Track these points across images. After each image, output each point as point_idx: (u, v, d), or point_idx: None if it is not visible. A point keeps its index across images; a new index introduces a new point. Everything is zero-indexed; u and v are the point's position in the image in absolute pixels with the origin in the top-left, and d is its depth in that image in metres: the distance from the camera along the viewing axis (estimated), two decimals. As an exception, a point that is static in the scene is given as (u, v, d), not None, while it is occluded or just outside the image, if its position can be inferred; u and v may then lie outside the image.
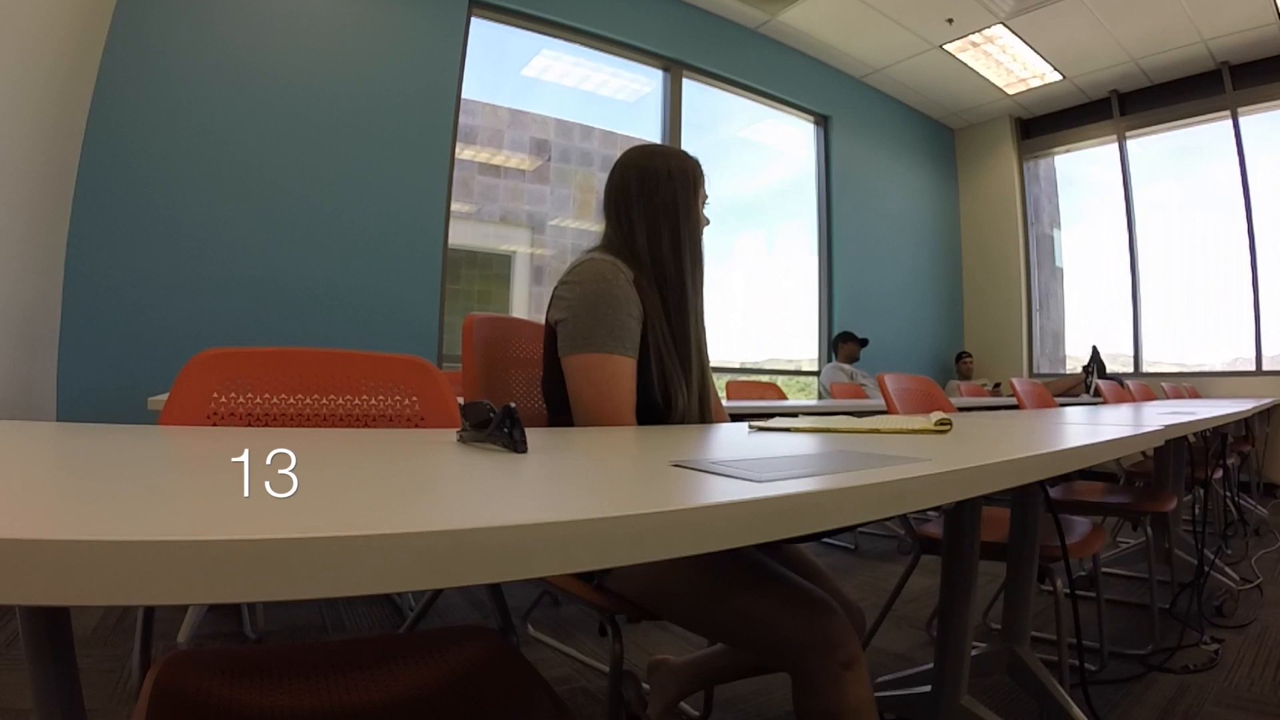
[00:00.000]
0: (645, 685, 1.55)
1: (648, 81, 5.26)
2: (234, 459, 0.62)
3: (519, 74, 4.96)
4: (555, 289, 1.25)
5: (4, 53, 2.44)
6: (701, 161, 1.38)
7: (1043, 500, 1.48)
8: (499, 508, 0.42)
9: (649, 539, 0.38)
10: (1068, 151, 6.87)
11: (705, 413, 1.31)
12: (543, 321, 1.29)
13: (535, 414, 1.35)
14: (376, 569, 0.30)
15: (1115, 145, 6.43)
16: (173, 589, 0.27)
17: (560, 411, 1.23)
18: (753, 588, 0.99)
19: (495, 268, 5.23)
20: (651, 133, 5.22)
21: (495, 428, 0.68)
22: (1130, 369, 6.25)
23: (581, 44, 4.84)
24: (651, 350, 1.23)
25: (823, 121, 6.19)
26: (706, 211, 1.38)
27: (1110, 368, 5.88)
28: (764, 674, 1.50)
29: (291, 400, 1.01)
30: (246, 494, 0.43)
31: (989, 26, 5.34)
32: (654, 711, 1.48)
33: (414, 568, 0.31)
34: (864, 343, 5.49)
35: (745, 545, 0.42)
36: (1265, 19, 5.01)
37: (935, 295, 7.02)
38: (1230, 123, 5.73)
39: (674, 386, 1.24)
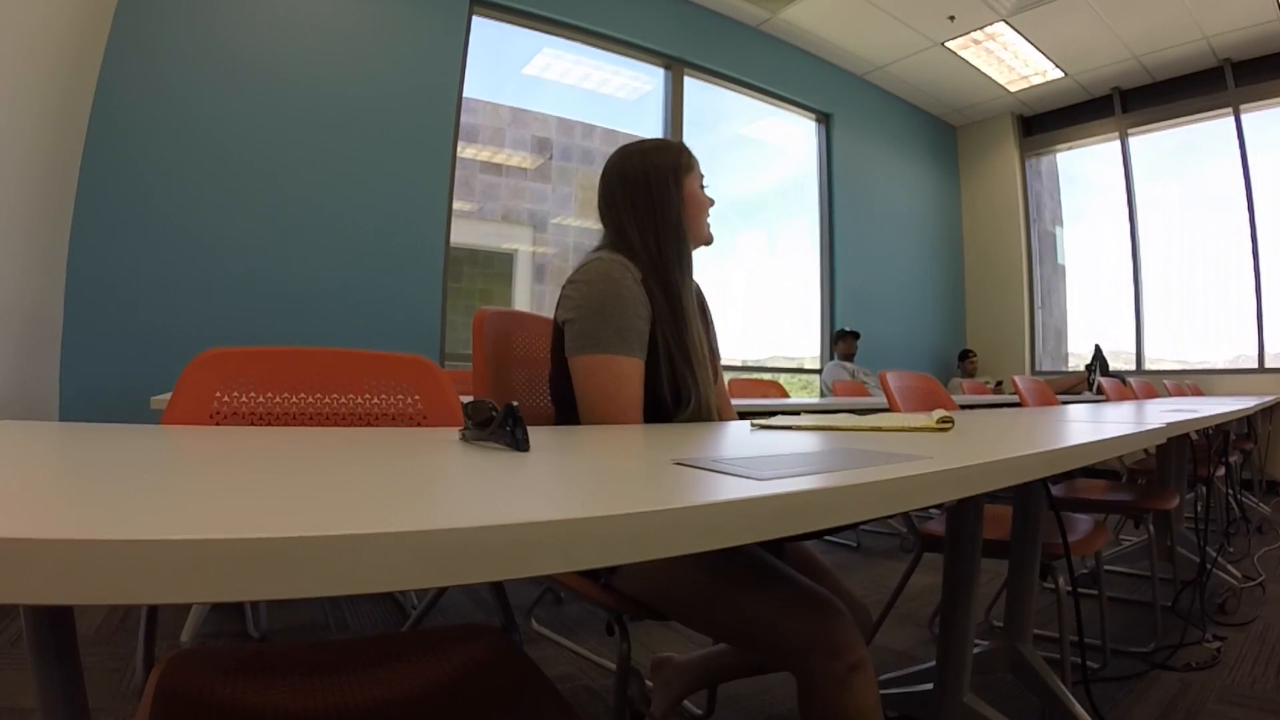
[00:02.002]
0: (649, 683, 1.55)
1: (649, 79, 5.26)
2: (236, 458, 0.62)
3: (520, 72, 4.96)
4: (563, 288, 1.24)
5: (5, 53, 2.44)
6: (702, 159, 1.36)
7: (1045, 498, 1.47)
8: (502, 506, 0.42)
9: (651, 537, 0.38)
10: (1070, 149, 6.86)
11: (712, 410, 1.30)
12: (548, 318, 1.29)
13: (543, 411, 1.34)
14: (380, 567, 0.30)
15: (1117, 142, 6.42)
16: (176, 588, 0.27)
17: (567, 411, 1.22)
18: (758, 588, 0.98)
19: (497, 266, 5.24)
20: (653, 131, 5.22)
21: (498, 426, 0.68)
22: (1132, 366, 6.24)
23: (583, 42, 4.84)
24: (661, 349, 1.22)
25: (824, 119, 6.19)
26: (709, 192, 1.36)
27: (1112, 365, 5.87)
28: (768, 673, 1.50)
29: (294, 399, 1.01)
30: (249, 493, 0.43)
31: (991, 24, 5.33)
32: (657, 709, 1.48)
33: (418, 566, 0.31)
34: (856, 335, 5.51)
35: (747, 543, 0.42)
36: (1267, 15, 5.00)
37: (937, 293, 7.02)
38: (1232, 120, 5.72)
39: (684, 385, 1.23)
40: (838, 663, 0.88)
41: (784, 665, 0.96)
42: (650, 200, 1.29)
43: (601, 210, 1.35)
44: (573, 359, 1.19)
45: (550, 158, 5.25)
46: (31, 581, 0.26)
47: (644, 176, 1.29)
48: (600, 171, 1.36)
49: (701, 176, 1.36)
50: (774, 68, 5.69)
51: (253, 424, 0.97)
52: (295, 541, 0.29)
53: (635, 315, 1.19)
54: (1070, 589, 1.43)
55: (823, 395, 5.45)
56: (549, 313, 1.30)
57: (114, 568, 0.27)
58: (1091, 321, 6.78)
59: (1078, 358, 6.74)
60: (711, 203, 1.36)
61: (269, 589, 0.28)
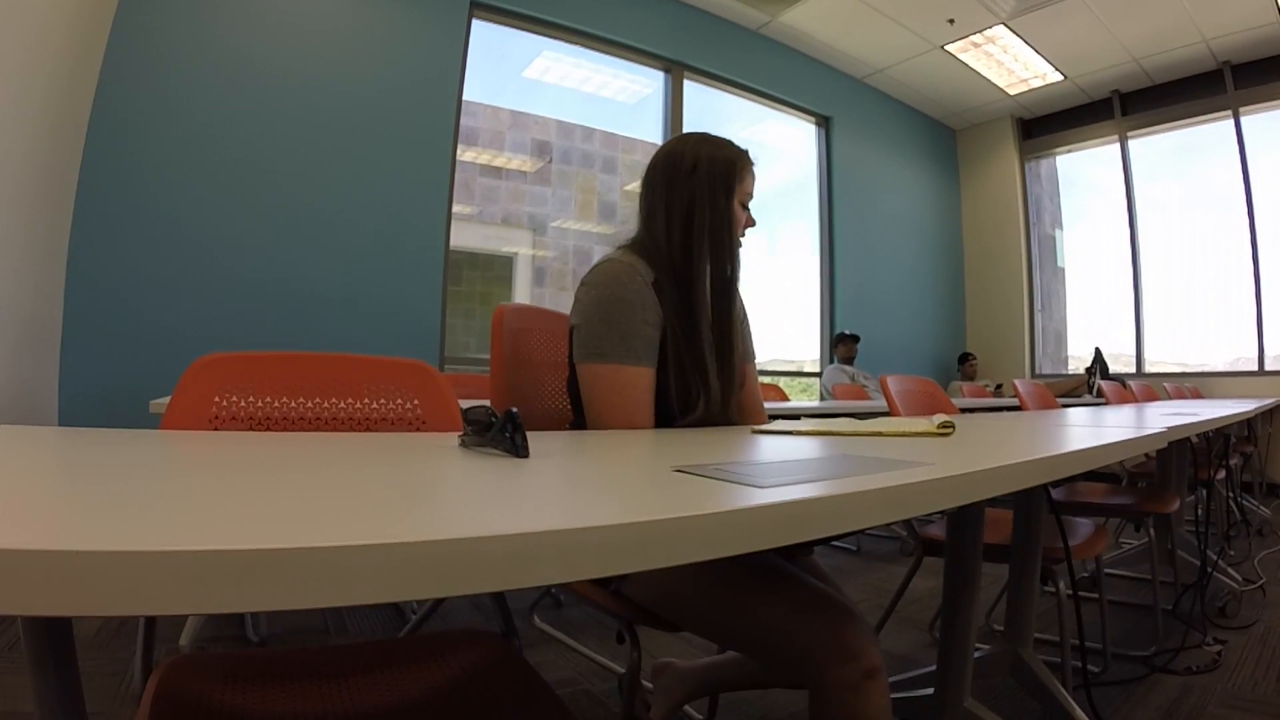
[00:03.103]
0: (646, 684, 1.54)
1: (649, 83, 5.26)
2: (235, 465, 0.62)
3: (520, 76, 4.97)
4: (576, 290, 1.21)
5: (6, 53, 2.44)
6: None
7: (1046, 502, 1.47)
8: (501, 515, 0.42)
9: (652, 546, 0.37)
10: (1069, 151, 6.87)
11: (731, 414, 1.25)
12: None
13: (562, 413, 1.31)
14: (378, 579, 0.30)
15: (1117, 145, 6.43)
16: (173, 600, 0.27)
17: (583, 413, 1.19)
18: (770, 594, 0.96)
19: (497, 269, 5.24)
20: (653, 134, 5.22)
21: (497, 432, 0.68)
22: (1132, 369, 6.24)
23: (582, 45, 4.84)
24: (670, 356, 1.18)
25: (824, 122, 6.19)
26: (752, 210, 1.28)
27: (1112, 368, 5.88)
28: (770, 687, 1.49)
29: (293, 404, 1.01)
30: (247, 501, 0.43)
31: (990, 27, 5.34)
32: (657, 714, 1.47)
33: (416, 577, 0.30)
34: (856, 338, 5.51)
35: (750, 551, 0.41)
36: (1266, 18, 5.00)
37: (937, 296, 7.02)
38: (1232, 122, 5.73)
39: (693, 394, 1.19)
40: (854, 669, 0.86)
41: (794, 671, 0.92)
42: (690, 190, 1.21)
43: (640, 194, 1.29)
44: (579, 366, 1.17)
45: (550, 161, 5.25)
46: (29, 593, 0.26)
47: (692, 165, 1.22)
48: (599, 174, 1.34)
49: (749, 195, 1.28)
50: (774, 71, 5.70)
51: (251, 429, 0.97)
52: (294, 553, 0.28)
53: (642, 322, 1.15)
54: (1071, 593, 1.43)
55: (822, 398, 5.45)
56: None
57: (111, 579, 0.26)
58: (1091, 324, 6.78)
59: (1077, 360, 6.74)
60: (751, 223, 1.29)
61: (268, 601, 0.28)
